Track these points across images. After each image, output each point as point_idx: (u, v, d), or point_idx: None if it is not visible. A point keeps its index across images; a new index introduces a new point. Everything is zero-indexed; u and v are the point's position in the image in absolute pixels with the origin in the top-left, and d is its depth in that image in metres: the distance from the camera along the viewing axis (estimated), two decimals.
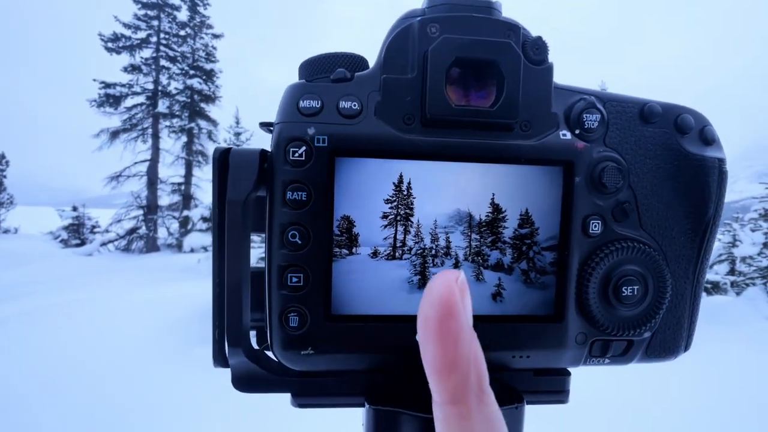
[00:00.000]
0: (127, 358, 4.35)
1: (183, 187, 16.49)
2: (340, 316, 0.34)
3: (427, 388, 0.26)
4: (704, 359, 4.80)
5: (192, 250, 13.24)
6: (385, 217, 0.34)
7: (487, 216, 0.35)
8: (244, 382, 0.35)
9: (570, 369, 0.40)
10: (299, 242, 0.33)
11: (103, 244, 14.79)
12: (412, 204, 0.34)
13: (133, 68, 16.23)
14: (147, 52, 16.55)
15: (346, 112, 0.33)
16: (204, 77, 17.00)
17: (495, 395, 0.26)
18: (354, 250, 0.34)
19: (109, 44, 15.97)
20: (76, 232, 15.83)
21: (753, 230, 7.84)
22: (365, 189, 0.34)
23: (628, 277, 0.36)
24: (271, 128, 0.35)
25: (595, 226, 0.36)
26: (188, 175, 16.53)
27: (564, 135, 0.35)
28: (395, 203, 0.34)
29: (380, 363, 0.36)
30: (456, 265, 0.35)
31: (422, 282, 0.35)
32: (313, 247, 0.33)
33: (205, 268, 8.81)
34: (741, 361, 4.73)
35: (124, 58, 16.17)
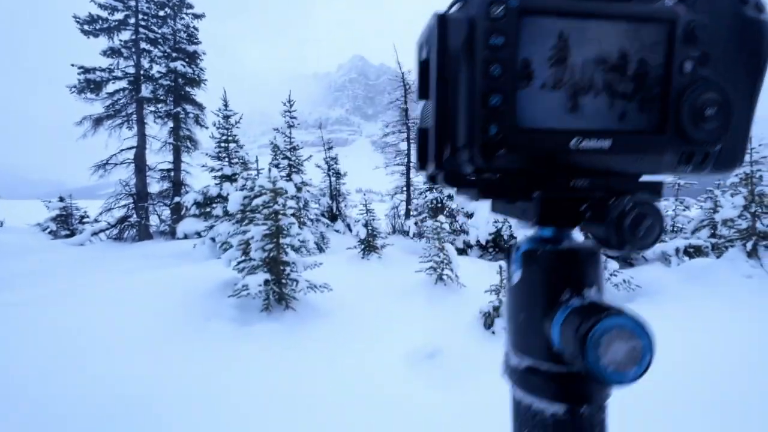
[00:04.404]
0: (138, 334, 4.44)
1: (173, 174, 16.21)
2: (522, 128, 0.50)
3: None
4: (689, 314, 5.16)
5: (186, 236, 13.15)
6: (549, 59, 0.50)
7: (617, 61, 0.51)
8: (451, 179, 0.51)
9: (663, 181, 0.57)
10: (497, 74, 0.48)
11: (95, 233, 14.59)
12: (568, 50, 0.50)
13: (113, 52, 15.68)
14: (126, 35, 15.97)
15: None
16: (187, 60, 16.53)
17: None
18: (529, 83, 0.49)
19: (86, 26, 15.34)
20: (65, 223, 15.53)
21: (732, 195, 8.25)
22: (539, 39, 0.49)
23: (708, 103, 0.52)
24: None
25: (687, 67, 0.52)
26: (177, 160, 16.23)
27: (669, 1, 0.51)
28: (557, 48, 0.50)
29: (545, 162, 0.52)
30: (596, 94, 0.51)
31: (574, 105, 0.50)
32: (506, 78, 0.48)
33: (200, 253, 8.78)
34: (722, 316, 5.10)
35: (103, 42, 15.59)
